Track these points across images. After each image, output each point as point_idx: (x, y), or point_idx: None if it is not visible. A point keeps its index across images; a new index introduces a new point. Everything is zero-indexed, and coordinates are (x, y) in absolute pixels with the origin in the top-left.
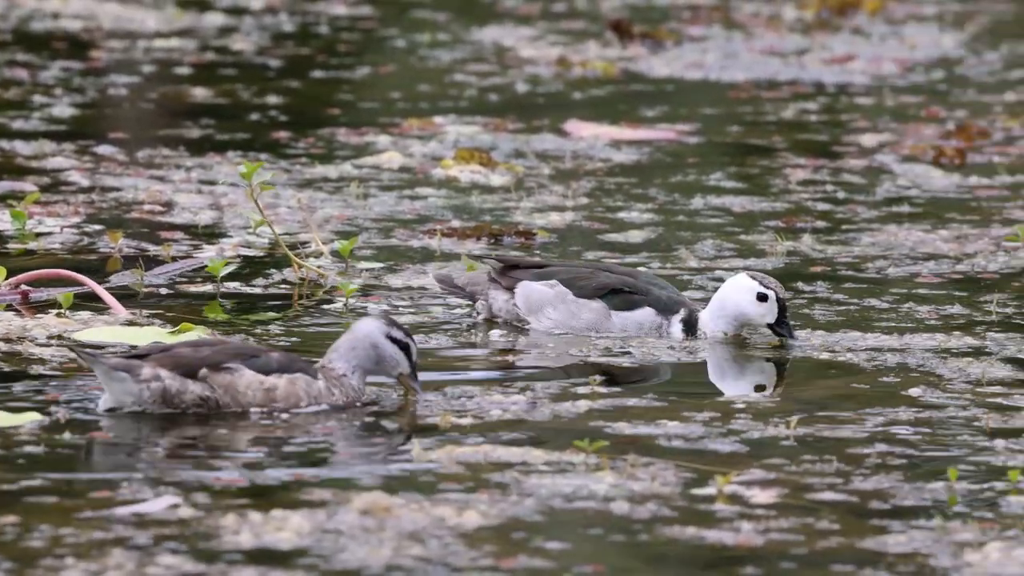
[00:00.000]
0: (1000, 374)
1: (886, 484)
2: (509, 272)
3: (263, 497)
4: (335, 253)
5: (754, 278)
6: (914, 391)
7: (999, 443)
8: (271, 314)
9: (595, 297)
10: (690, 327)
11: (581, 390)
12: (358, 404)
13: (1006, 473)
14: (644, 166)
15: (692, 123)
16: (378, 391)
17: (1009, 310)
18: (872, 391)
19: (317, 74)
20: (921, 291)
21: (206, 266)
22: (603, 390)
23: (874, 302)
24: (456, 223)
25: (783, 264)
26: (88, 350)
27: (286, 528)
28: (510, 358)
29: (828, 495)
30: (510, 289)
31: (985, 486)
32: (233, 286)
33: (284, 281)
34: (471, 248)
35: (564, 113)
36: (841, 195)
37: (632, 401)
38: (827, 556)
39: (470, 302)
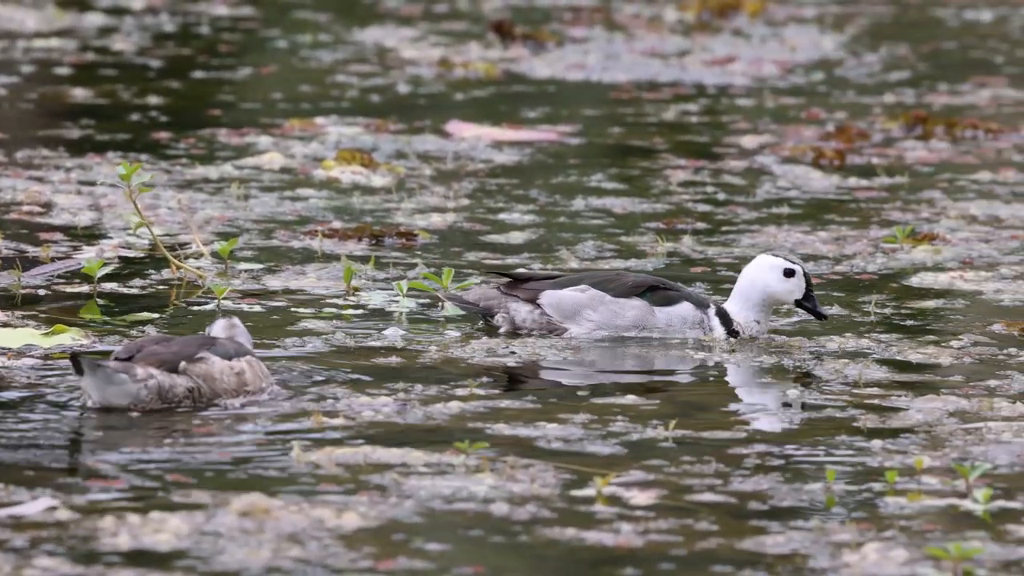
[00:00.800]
0: (877, 375)
1: (764, 485)
2: (522, 284)
3: (141, 499)
4: (215, 254)
5: (777, 255)
6: (792, 392)
7: (876, 444)
8: (147, 314)
9: (633, 295)
10: (725, 320)
11: (459, 392)
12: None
13: (883, 474)
14: (525, 167)
15: (573, 124)
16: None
17: (887, 311)
18: (750, 392)
19: (198, 74)
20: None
21: (83, 267)
22: (481, 392)
23: None
24: (337, 224)
25: (664, 265)
26: (87, 356)
27: (164, 530)
28: (387, 360)
29: (707, 496)
30: (531, 300)
31: (863, 487)
32: (111, 287)
33: (162, 282)
34: (352, 249)
35: (446, 114)
36: (721, 196)
37: (506, 403)
38: (706, 557)
39: (486, 317)
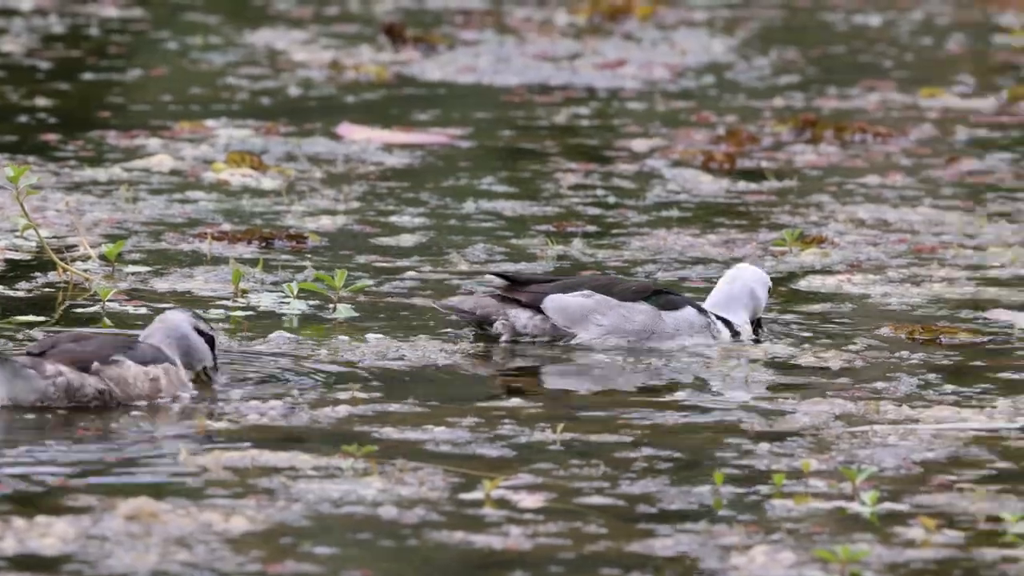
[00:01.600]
0: (765, 378)
1: (652, 488)
2: (521, 287)
3: (27, 503)
4: (103, 257)
5: (760, 267)
6: (680, 395)
7: (763, 447)
8: (33, 317)
9: (638, 300)
10: (727, 324)
11: (341, 395)
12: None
13: (771, 477)
14: (416, 170)
15: (464, 127)
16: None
17: (773, 313)
18: (638, 395)
19: (87, 76)
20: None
21: None
22: (363, 395)
23: None
24: (227, 227)
25: (553, 268)
26: None
27: (51, 534)
28: (275, 362)
29: (596, 499)
30: (532, 306)
31: (750, 490)
32: None
33: (48, 284)
34: (241, 252)
35: (336, 116)
36: (612, 199)
37: (394, 406)
38: (595, 560)
39: (483, 326)
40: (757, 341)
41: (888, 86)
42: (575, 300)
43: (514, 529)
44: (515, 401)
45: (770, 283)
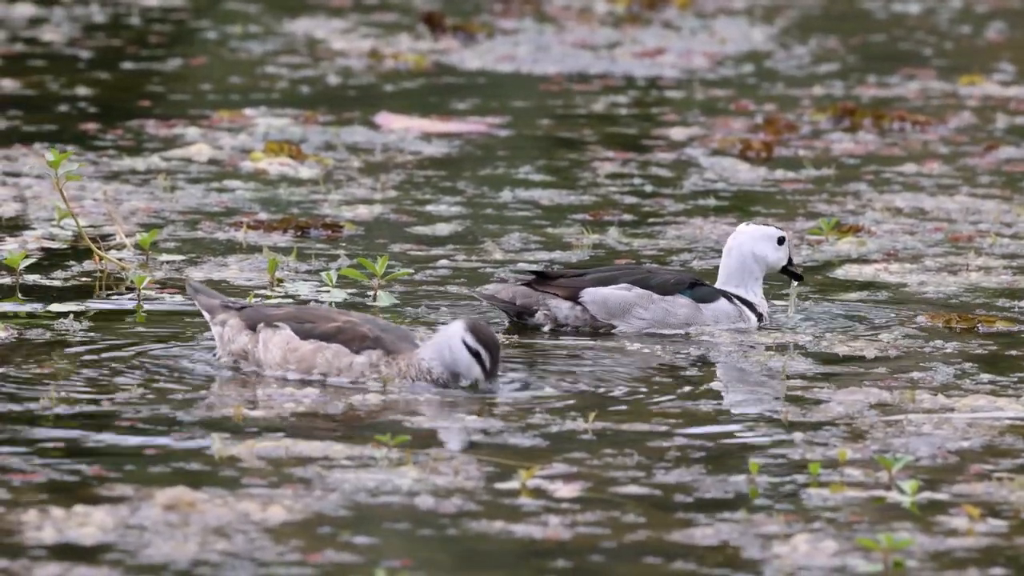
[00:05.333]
0: (800, 368)
1: (688, 477)
2: (553, 281)
3: (64, 493)
4: (138, 245)
5: (765, 224)
6: (714, 384)
7: (797, 436)
8: (69, 306)
9: (676, 293)
10: (751, 308)
11: (371, 383)
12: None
13: (805, 466)
14: (454, 159)
15: (503, 116)
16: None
17: (809, 303)
18: (672, 384)
19: (127, 66)
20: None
21: (5, 258)
22: (393, 385)
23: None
24: (263, 216)
25: (588, 256)
26: None
27: (89, 523)
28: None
29: (632, 488)
30: (570, 298)
31: (786, 479)
32: (33, 278)
33: (84, 273)
34: (276, 241)
35: (375, 106)
36: (649, 188)
37: (425, 395)
38: (637, 549)
39: (521, 316)
40: (802, 278)
41: (927, 74)
42: (615, 293)
43: (552, 518)
44: (546, 390)
45: (780, 232)
